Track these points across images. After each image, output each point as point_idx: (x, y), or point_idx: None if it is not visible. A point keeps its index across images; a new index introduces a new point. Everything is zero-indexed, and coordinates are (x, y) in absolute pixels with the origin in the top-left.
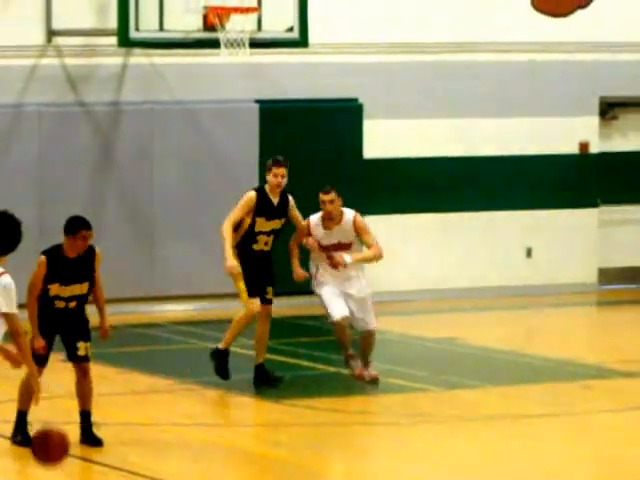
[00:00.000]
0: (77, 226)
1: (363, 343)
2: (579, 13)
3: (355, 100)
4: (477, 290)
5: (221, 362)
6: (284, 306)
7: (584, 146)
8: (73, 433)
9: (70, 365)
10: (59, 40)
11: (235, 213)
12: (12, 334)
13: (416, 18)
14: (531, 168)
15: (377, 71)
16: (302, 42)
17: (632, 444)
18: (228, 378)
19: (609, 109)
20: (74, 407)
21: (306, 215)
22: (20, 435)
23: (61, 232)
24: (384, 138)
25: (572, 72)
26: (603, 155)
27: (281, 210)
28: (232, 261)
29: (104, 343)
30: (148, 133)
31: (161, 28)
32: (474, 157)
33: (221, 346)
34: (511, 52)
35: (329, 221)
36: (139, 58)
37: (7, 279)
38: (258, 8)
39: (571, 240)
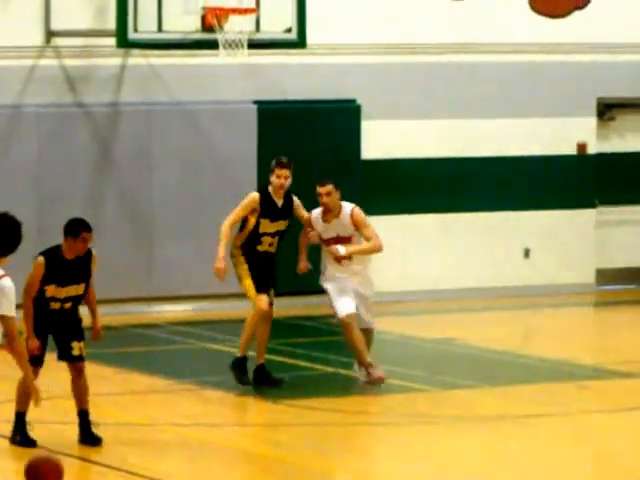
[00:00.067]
0: (78, 228)
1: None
2: (577, 14)
3: (353, 101)
4: (475, 290)
5: (240, 371)
6: (282, 307)
7: (582, 147)
8: (72, 433)
9: (66, 365)
10: (58, 41)
11: (235, 213)
12: (7, 337)
13: (414, 19)
14: (529, 169)
15: (375, 72)
16: (300, 43)
17: (628, 444)
18: (250, 384)
19: (607, 110)
20: (72, 407)
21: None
22: (19, 435)
23: (60, 233)
24: (382, 139)
25: (570, 73)
26: (601, 156)
27: (285, 211)
28: (220, 263)
29: (100, 344)
30: (147, 134)
31: (160, 29)
32: (472, 158)
33: (238, 354)
34: (509, 53)
35: (328, 214)
36: (138, 59)
37: (7, 282)
38: (256, 9)
39: (569, 241)
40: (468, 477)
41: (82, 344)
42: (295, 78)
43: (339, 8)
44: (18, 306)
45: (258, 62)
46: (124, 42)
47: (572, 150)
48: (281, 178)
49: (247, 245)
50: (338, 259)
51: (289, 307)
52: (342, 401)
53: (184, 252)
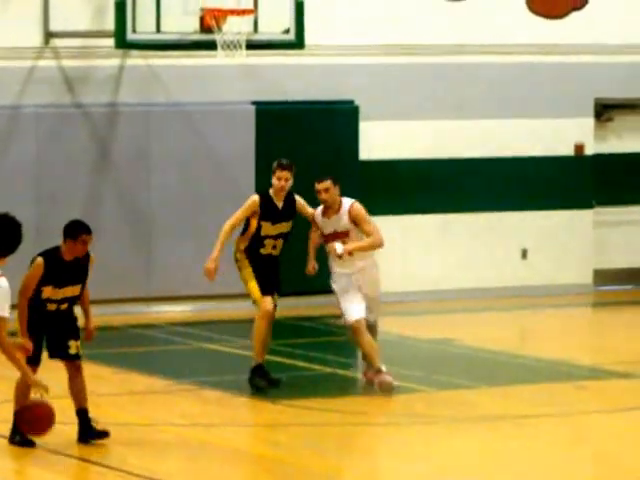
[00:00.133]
0: (78, 230)
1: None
2: (574, 15)
3: (351, 102)
4: (473, 291)
5: (259, 379)
6: (282, 307)
7: (579, 148)
8: (71, 433)
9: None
10: (56, 42)
11: (236, 216)
12: None
13: (411, 20)
14: (526, 169)
15: (373, 73)
16: (298, 44)
17: (627, 444)
18: (274, 385)
19: (604, 111)
20: (70, 406)
21: (305, 220)
22: (18, 435)
23: (58, 233)
24: (380, 140)
25: (567, 74)
26: (598, 157)
27: (287, 213)
28: (211, 264)
29: (98, 344)
30: (145, 134)
31: (158, 30)
32: (470, 159)
33: (254, 362)
34: (506, 54)
35: (328, 210)
36: (136, 60)
37: (3, 282)
38: (254, 10)
39: (566, 241)
40: (467, 477)
41: (78, 343)
42: (293, 79)
43: (337, 9)
44: (13, 306)
45: (256, 63)
46: (123, 43)
47: (570, 151)
48: (282, 180)
49: (250, 248)
50: (339, 256)
51: (287, 307)
52: (340, 401)
53: (183, 252)
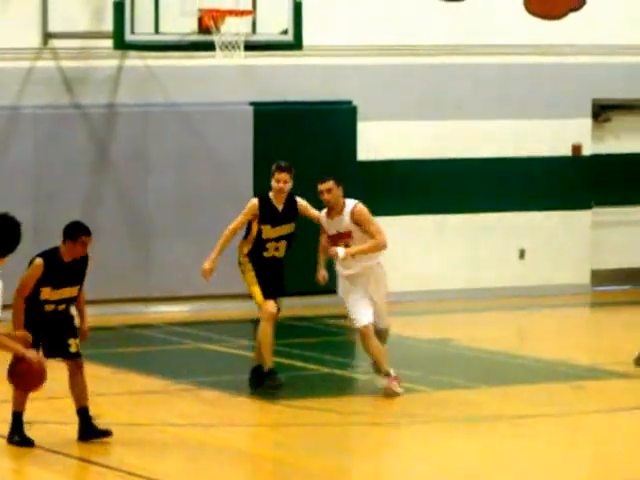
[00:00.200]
0: (77, 231)
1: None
2: (572, 16)
3: (349, 102)
4: (471, 291)
5: (275, 383)
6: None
7: (577, 148)
8: (70, 433)
9: (63, 364)
10: (55, 43)
11: (237, 220)
12: None
13: (409, 21)
14: (524, 170)
15: (371, 73)
16: (296, 45)
17: (625, 444)
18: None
19: (602, 111)
20: (70, 406)
21: (304, 220)
22: (17, 436)
23: (57, 233)
24: (378, 140)
25: (565, 75)
26: (596, 157)
27: (287, 215)
28: (208, 265)
29: (96, 344)
30: (143, 135)
31: (156, 31)
32: (468, 159)
33: (266, 368)
34: (504, 55)
35: (332, 211)
36: (134, 61)
37: None
38: (253, 11)
39: (564, 242)
40: (465, 477)
41: (78, 341)
42: (291, 79)
43: (335, 10)
44: (7, 307)
45: (254, 64)
46: (121, 44)
47: (567, 151)
48: (280, 182)
49: (253, 252)
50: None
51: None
52: (339, 401)
53: (181, 253)
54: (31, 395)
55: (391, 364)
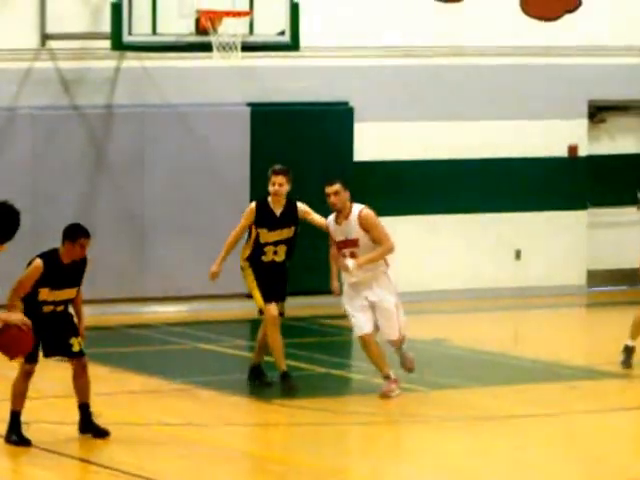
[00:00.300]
0: (77, 233)
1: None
2: (567, 17)
3: (346, 103)
4: (466, 292)
5: (289, 385)
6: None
7: (573, 149)
8: (67, 433)
9: (63, 364)
10: (53, 44)
11: (238, 225)
12: None
13: (406, 22)
14: (520, 171)
15: (368, 74)
16: (293, 46)
17: (619, 445)
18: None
19: (598, 112)
20: (68, 406)
21: (303, 222)
22: (14, 435)
23: (54, 234)
24: (375, 141)
25: (561, 76)
26: (592, 158)
27: (286, 219)
28: (215, 268)
29: (94, 344)
30: (140, 136)
31: (154, 32)
32: (464, 160)
33: (279, 371)
34: (500, 56)
35: (339, 216)
36: (132, 62)
37: None
38: (250, 12)
39: (560, 242)
40: (460, 476)
41: (79, 339)
42: (288, 80)
43: (332, 11)
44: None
45: (252, 64)
46: (119, 45)
47: (563, 152)
48: (276, 185)
49: (253, 256)
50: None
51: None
52: (334, 401)
53: (178, 253)
54: (29, 395)
55: (390, 364)
